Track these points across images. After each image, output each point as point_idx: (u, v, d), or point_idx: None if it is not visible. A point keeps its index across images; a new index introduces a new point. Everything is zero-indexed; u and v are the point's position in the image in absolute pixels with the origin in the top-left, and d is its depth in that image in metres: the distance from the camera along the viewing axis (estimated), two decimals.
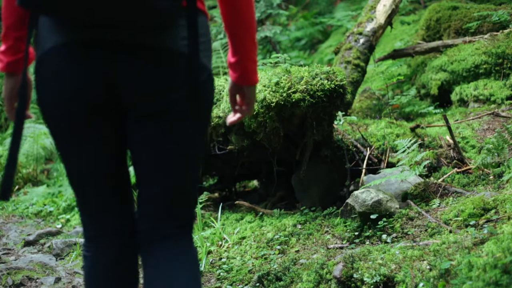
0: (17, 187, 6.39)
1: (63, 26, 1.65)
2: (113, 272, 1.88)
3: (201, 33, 1.72)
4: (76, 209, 5.21)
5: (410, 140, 3.57)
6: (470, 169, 3.56)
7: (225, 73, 7.06)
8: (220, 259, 3.45)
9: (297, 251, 3.21)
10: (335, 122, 4.09)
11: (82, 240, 4.09)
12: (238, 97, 1.94)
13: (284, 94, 3.44)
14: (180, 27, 1.67)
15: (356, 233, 3.16)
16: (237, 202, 4.19)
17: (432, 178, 3.52)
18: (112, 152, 1.80)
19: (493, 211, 2.80)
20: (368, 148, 3.96)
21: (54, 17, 1.65)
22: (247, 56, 1.86)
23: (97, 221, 1.86)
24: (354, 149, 3.98)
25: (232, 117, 1.94)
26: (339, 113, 4.28)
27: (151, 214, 1.79)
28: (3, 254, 3.93)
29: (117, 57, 1.64)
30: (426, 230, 2.93)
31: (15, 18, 1.72)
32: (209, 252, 3.56)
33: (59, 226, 4.67)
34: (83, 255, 1.90)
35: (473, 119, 4.28)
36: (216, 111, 4.09)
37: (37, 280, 3.44)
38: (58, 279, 3.48)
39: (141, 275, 1.92)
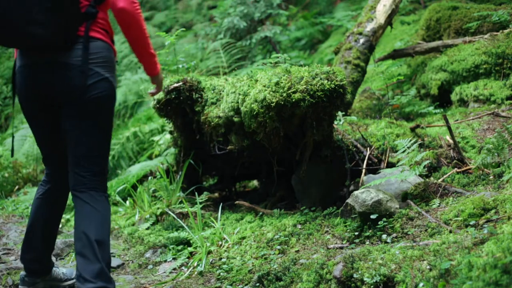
0: (17, 187, 6.39)
1: (20, 54, 2.87)
2: (52, 197, 3.06)
3: (92, 52, 2.79)
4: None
5: (410, 140, 3.57)
6: (470, 169, 3.56)
7: (225, 73, 7.06)
8: (220, 259, 3.45)
9: (297, 251, 3.21)
10: (335, 122, 4.09)
11: None
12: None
13: (284, 94, 3.44)
14: (77, 49, 2.78)
15: (356, 233, 3.16)
16: (237, 202, 4.20)
17: (432, 178, 3.52)
18: (52, 127, 2.93)
19: (493, 211, 2.80)
20: (368, 148, 3.96)
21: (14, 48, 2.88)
22: (144, 59, 3.03)
23: (48, 167, 3.08)
24: (354, 149, 3.98)
25: (149, 93, 3.30)
26: (339, 113, 4.28)
27: (75, 172, 2.87)
28: (3, 254, 3.93)
29: (44, 71, 2.78)
30: (426, 230, 2.93)
31: None
32: (209, 252, 3.56)
33: (59, 226, 4.67)
34: (38, 186, 3.10)
35: (473, 119, 4.28)
36: (216, 111, 4.09)
37: None
38: None
39: None
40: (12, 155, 3.03)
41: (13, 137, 3.14)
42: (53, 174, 3.06)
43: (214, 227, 3.84)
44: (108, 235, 2.83)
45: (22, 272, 3.12)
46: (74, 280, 3.31)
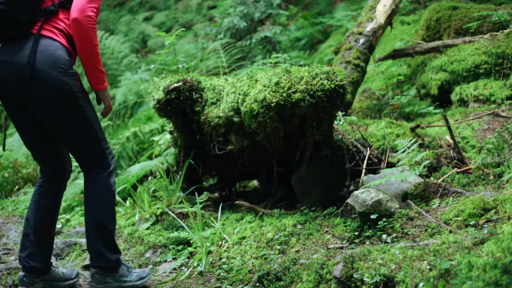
0: (17, 187, 6.39)
1: None
2: (45, 189, 3.17)
3: (41, 50, 2.90)
4: (76, 209, 5.21)
5: (410, 140, 3.57)
6: (470, 169, 3.56)
7: (225, 73, 7.06)
8: (220, 259, 3.45)
9: (297, 251, 3.21)
10: (335, 122, 4.09)
11: (82, 240, 4.09)
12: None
13: (284, 94, 3.44)
14: (26, 48, 2.90)
15: (356, 233, 3.16)
16: (237, 202, 4.19)
17: (432, 178, 3.52)
18: (31, 121, 3.04)
19: (493, 211, 2.80)
20: (368, 148, 3.96)
21: None
22: (91, 73, 3.05)
23: (39, 162, 3.20)
24: (354, 149, 3.98)
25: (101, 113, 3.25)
26: (339, 113, 4.28)
27: (78, 161, 3.15)
28: (3, 254, 3.93)
29: (1, 69, 2.92)
30: (426, 230, 2.93)
31: None
32: (209, 252, 3.56)
33: (59, 226, 4.67)
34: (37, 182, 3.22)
35: (473, 119, 4.28)
36: (216, 111, 4.09)
37: None
38: None
39: None
40: (3, 149, 3.26)
41: (5, 134, 3.40)
42: (44, 168, 3.19)
43: (214, 227, 3.84)
44: (107, 214, 3.09)
45: (21, 273, 3.13)
46: (74, 280, 3.31)
